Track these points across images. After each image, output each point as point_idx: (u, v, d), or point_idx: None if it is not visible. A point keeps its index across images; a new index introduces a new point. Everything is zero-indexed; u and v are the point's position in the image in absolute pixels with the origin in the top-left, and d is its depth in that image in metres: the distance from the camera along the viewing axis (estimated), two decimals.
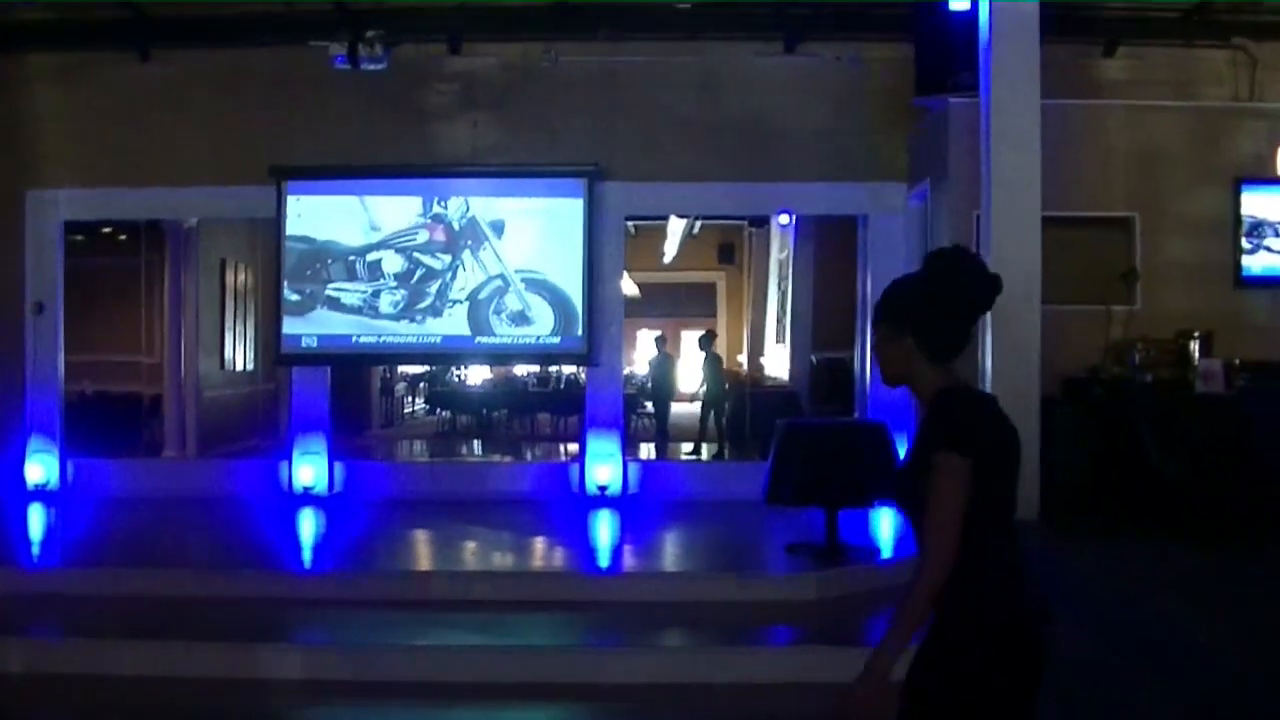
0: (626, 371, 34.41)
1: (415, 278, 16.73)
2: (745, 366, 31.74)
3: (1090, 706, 7.99)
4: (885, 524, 14.29)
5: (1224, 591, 9.16)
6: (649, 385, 26.45)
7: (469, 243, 16.76)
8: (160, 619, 10.71)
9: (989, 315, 12.19)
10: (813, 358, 22.89)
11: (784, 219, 20.40)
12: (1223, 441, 10.08)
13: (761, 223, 27.42)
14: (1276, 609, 8.40)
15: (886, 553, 13.06)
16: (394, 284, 16.74)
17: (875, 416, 15.61)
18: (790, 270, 25.28)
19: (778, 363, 27.24)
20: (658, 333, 26.82)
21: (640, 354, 38.30)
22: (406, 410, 33.35)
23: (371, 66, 15.62)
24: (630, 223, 22.87)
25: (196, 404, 21.53)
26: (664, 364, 24.56)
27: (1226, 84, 16.16)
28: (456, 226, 16.74)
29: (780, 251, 27.60)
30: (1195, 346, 13.37)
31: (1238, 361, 13.27)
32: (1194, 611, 8.74)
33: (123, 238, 21.82)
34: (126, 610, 10.99)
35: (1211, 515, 10.57)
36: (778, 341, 28.05)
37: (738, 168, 16.74)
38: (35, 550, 14.17)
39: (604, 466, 16.69)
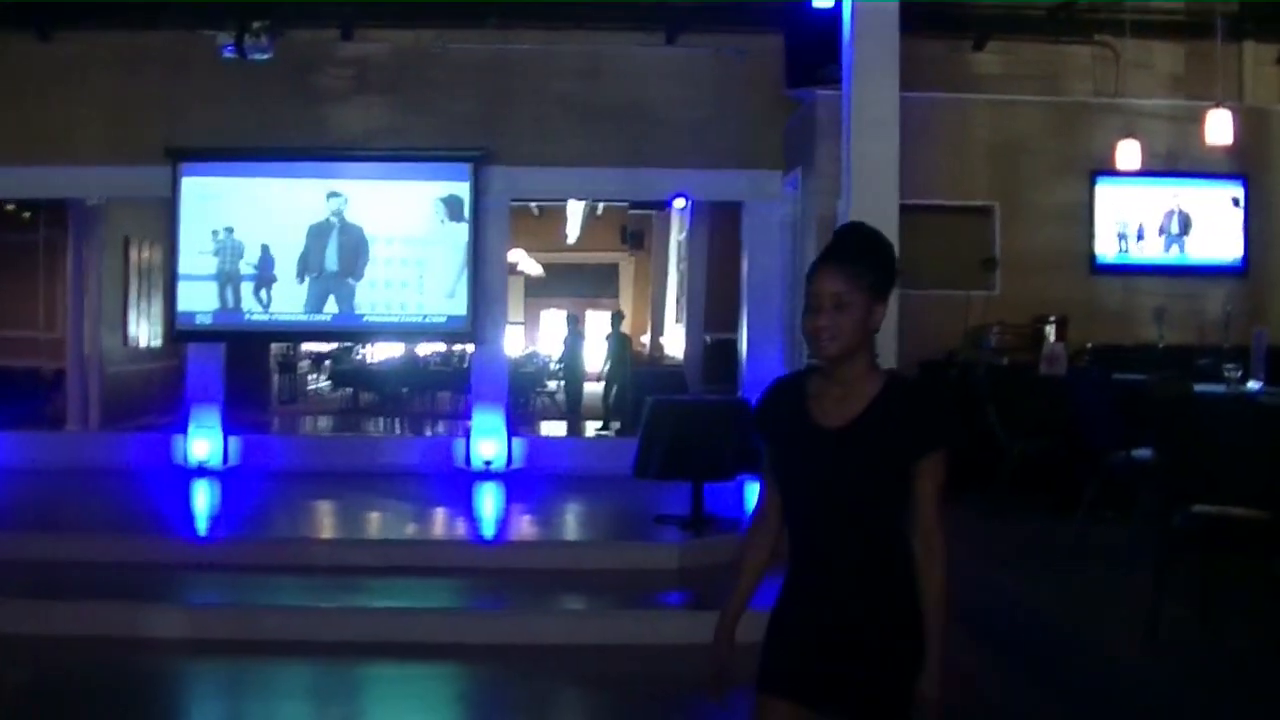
0: (529, 350, 35.08)
1: (306, 258, 17.15)
2: (647, 347, 32.42)
3: None
4: (748, 497, 14.95)
5: (1048, 553, 9.86)
6: (559, 365, 26.84)
7: (359, 224, 17.20)
8: (52, 582, 11.10)
9: None
10: (706, 337, 23.45)
11: (679, 203, 20.92)
12: (1059, 420, 10.72)
13: (662, 206, 27.94)
14: (1094, 569, 9.06)
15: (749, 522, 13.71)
16: (286, 263, 17.15)
17: (748, 395, 16.27)
18: (686, 252, 25.81)
19: (677, 343, 27.81)
20: (564, 313, 27.32)
21: (546, 334, 38.86)
22: (310, 388, 33.65)
23: (258, 56, 15.85)
24: (534, 204, 23.47)
25: (100, 379, 21.74)
26: (575, 344, 24.99)
27: (1092, 79, 16.79)
28: (347, 207, 17.18)
29: (680, 234, 28.16)
30: (1051, 331, 14.08)
31: (1089, 345, 14.02)
32: (1024, 576, 9.45)
33: (25, 215, 22.11)
34: (19, 573, 11.32)
35: (1046, 487, 11.26)
36: (676, 322, 28.62)
37: (623, 153, 17.17)
38: None
39: (489, 441, 17.14)
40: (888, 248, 4.40)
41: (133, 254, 23.87)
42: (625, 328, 26.08)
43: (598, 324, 31.07)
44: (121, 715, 8.69)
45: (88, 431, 20.72)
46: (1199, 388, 9.54)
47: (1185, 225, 15.38)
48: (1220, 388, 9.70)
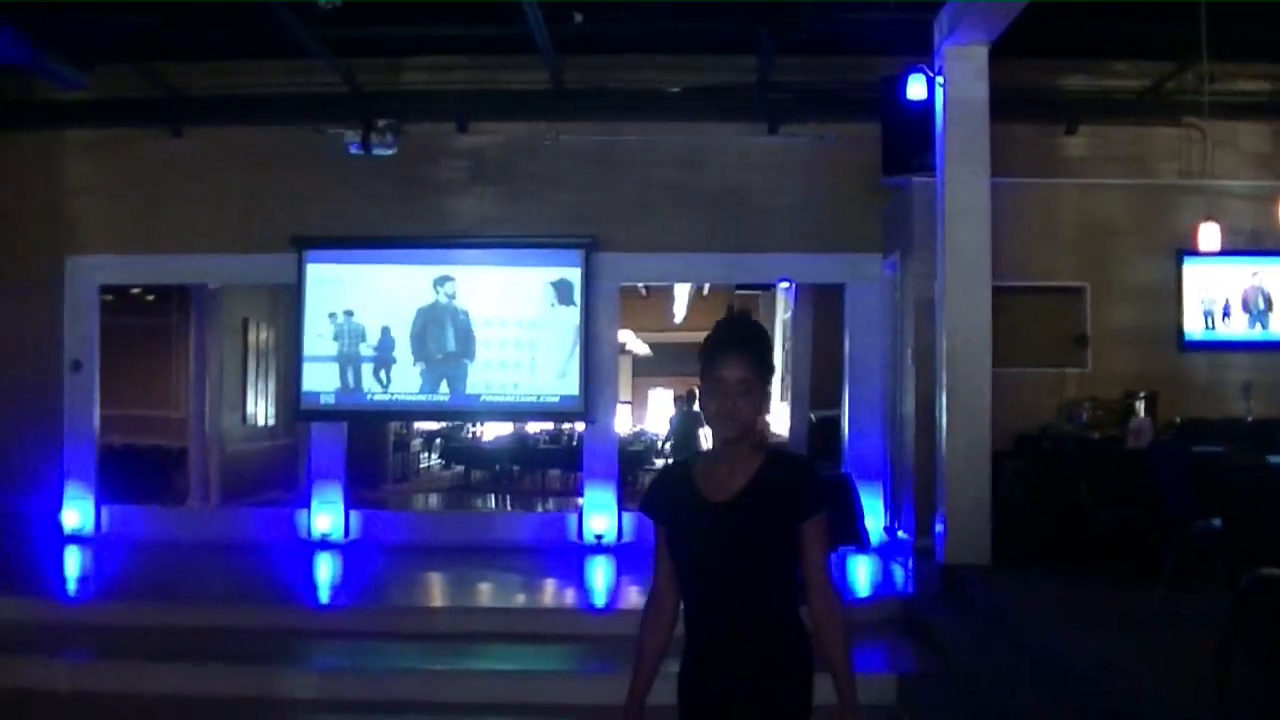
0: (638, 429, 35.59)
1: (422, 340, 17.86)
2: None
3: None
4: (848, 567, 15.53)
5: (1131, 618, 10.33)
6: (670, 442, 27.18)
7: (476, 309, 17.92)
8: (190, 647, 11.90)
9: (944, 376, 13.54)
10: (811, 415, 23.86)
11: (784, 285, 21.31)
12: (1145, 491, 11.16)
13: (768, 286, 28.39)
14: (1173, 634, 9.53)
15: (849, 592, 14.31)
16: (403, 346, 17.87)
17: (850, 469, 16.82)
18: (791, 332, 26.26)
19: (782, 420, 28.20)
20: (670, 391, 27.71)
21: (653, 412, 39.50)
22: (422, 465, 34.15)
23: (382, 152, 16.71)
24: (641, 285, 24.10)
25: (219, 457, 22.54)
26: (684, 420, 25.27)
27: (1179, 159, 17.15)
28: (458, 291, 17.90)
29: (785, 313, 28.51)
30: (1140, 406, 14.55)
31: (1178, 419, 14.49)
32: (1108, 638, 9.94)
33: (150, 298, 22.92)
34: (159, 639, 12.17)
35: (1133, 556, 11.73)
36: (781, 400, 29.00)
37: (726, 238, 17.72)
38: (75, 586, 15.50)
39: (600, 516, 17.67)
40: (768, 337, 4.91)
41: (250, 335, 24.66)
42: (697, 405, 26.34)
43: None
44: None
45: (213, 507, 21.51)
46: (1276, 459, 9.97)
47: (1268, 302, 15.77)
48: None
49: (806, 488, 4.76)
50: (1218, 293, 15.76)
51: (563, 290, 17.81)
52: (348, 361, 17.94)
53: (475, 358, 17.93)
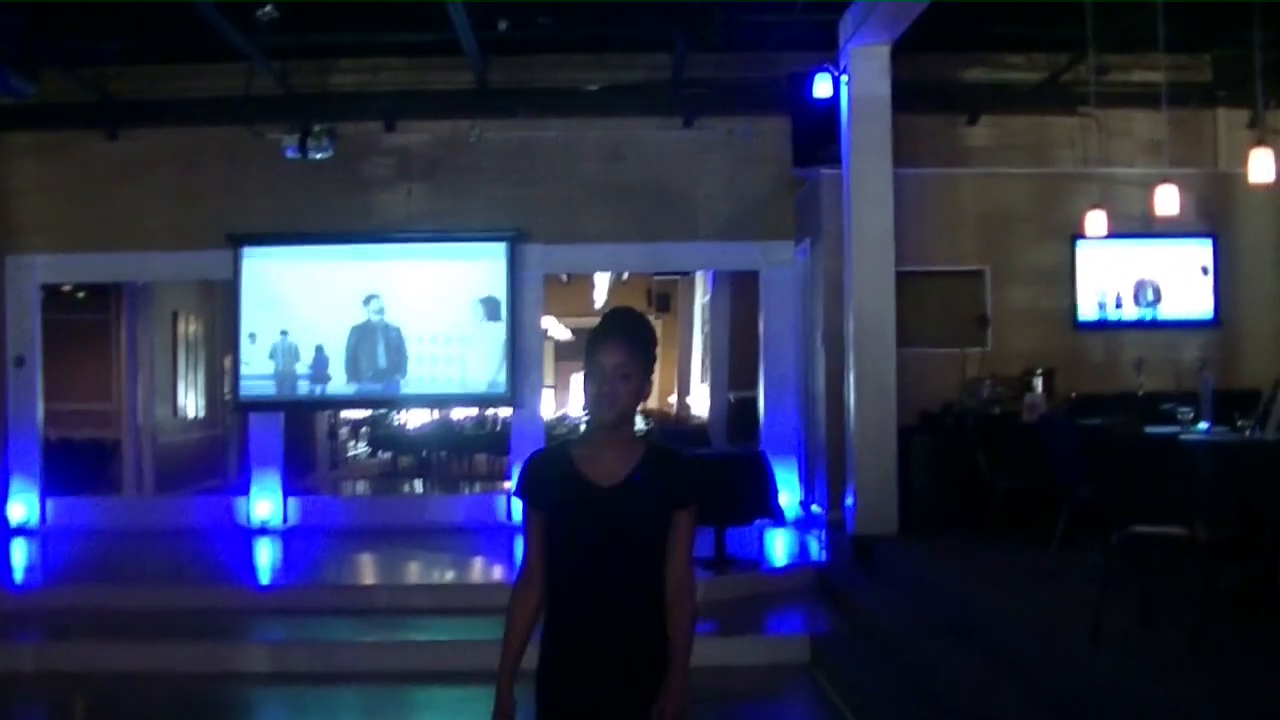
0: (561, 413, 36.28)
1: (358, 359, 18.54)
2: (675, 405, 33.67)
3: (910, 669, 10.12)
4: (765, 540, 16.39)
5: (1027, 575, 11.17)
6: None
7: (408, 324, 18.59)
8: (144, 626, 12.58)
9: (851, 357, 14.37)
10: (730, 396, 24.54)
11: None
12: (1038, 461, 11.94)
13: (686, 273, 29.09)
14: (1061, 588, 10.36)
15: (766, 562, 15.25)
16: (339, 362, 18.56)
17: (766, 447, 17.61)
18: (710, 315, 26.96)
19: (702, 401, 28.88)
20: None
21: (575, 396, 39.75)
22: (350, 453, 34.53)
23: (319, 155, 17.40)
24: (564, 273, 24.85)
25: (153, 447, 23.10)
26: None
27: (1076, 148, 17.99)
28: (394, 308, 18.57)
29: (704, 296, 29.19)
30: (1038, 382, 15.39)
31: (1073, 394, 15.34)
32: (1003, 594, 10.80)
33: (81, 295, 23.21)
34: (114, 620, 12.85)
35: (1028, 521, 12.57)
36: (702, 381, 29.67)
37: (645, 229, 18.40)
38: (29, 574, 16.23)
39: None
40: (651, 330, 4.91)
41: (180, 327, 25.30)
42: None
43: None
44: None
45: (153, 495, 22.18)
46: (1156, 429, 10.82)
47: (1158, 294, 16.57)
48: (1175, 429, 10.99)
49: (686, 476, 4.83)
50: (1110, 282, 16.54)
51: (490, 307, 18.48)
52: (284, 379, 18.60)
53: (408, 373, 18.66)
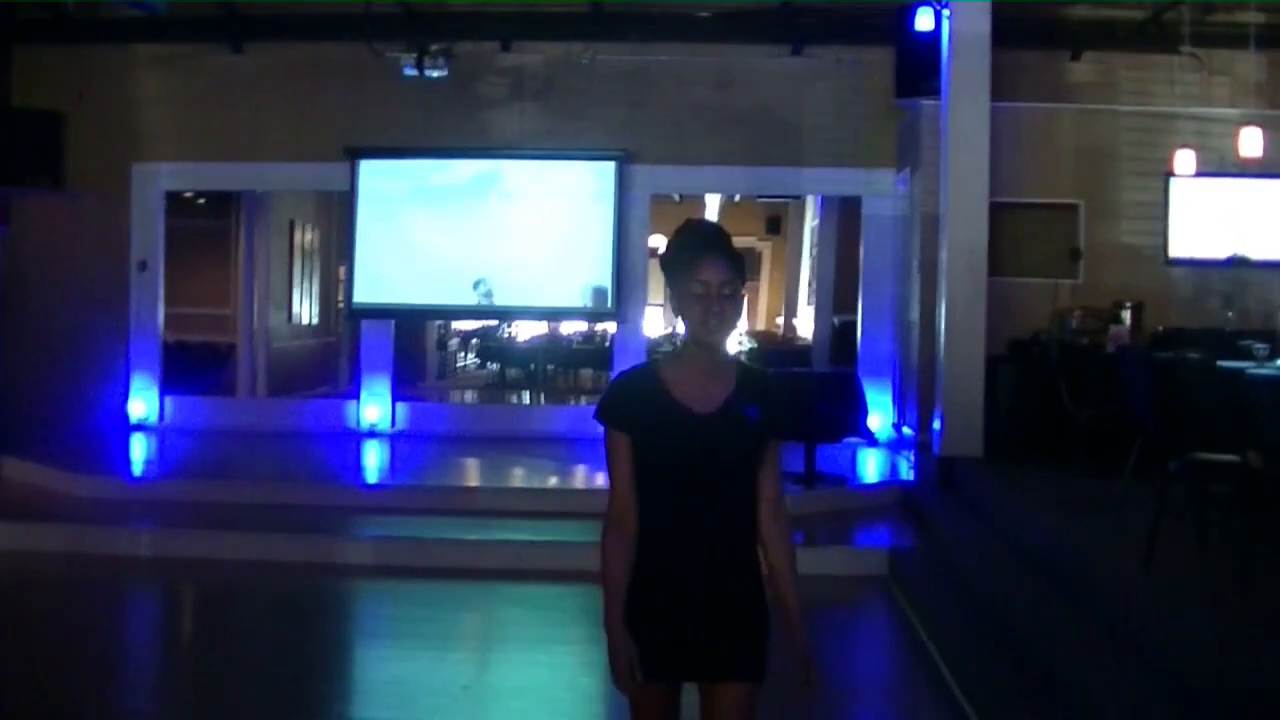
0: (669, 330, 36.73)
1: (468, 245, 19.07)
2: (781, 327, 34.08)
3: (973, 586, 10.64)
4: (857, 458, 16.98)
5: (1097, 504, 11.59)
6: None
7: (516, 214, 19.07)
8: (255, 520, 13.39)
9: (943, 285, 14.77)
10: (834, 320, 24.92)
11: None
12: (1117, 392, 12.30)
13: (795, 196, 29.43)
14: (1128, 516, 10.75)
15: (855, 479, 15.82)
16: (451, 250, 19.08)
17: (863, 371, 18.10)
18: (817, 240, 27.33)
19: (807, 324, 29.24)
20: None
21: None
22: (459, 364, 35.26)
23: (435, 74, 17.85)
24: (675, 194, 25.35)
25: (266, 352, 23.67)
26: None
27: (1178, 86, 18.20)
28: (503, 202, 19.10)
29: (813, 221, 29.47)
30: (1127, 316, 15.72)
31: (1160, 328, 15.68)
32: (1070, 520, 11.24)
33: (200, 201, 23.81)
34: (228, 513, 13.70)
35: (1106, 450, 12.94)
36: (809, 304, 29.98)
37: (751, 153, 18.79)
38: (152, 468, 17.28)
39: None
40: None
41: (296, 237, 25.92)
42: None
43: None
44: (321, 619, 11.03)
45: (267, 397, 22.86)
46: (1228, 364, 11.17)
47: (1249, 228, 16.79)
48: (1248, 364, 11.35)
49: (782, 401, 4.76)
50: (1203, 216, 16.77)
51: (600, 225, 18.97)
52: (396, 288, 19.30)
53: (517, 288, 19.25)
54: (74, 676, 9.26)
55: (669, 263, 4.75)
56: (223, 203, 24.07)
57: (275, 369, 24.01)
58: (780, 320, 34.73)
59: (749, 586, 4.69)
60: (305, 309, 26.81)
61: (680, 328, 4.70)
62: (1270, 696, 6.43)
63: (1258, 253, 16.41)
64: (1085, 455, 13.48)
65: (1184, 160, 14.71)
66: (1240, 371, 10.36)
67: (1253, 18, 16.75)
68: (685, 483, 4.60)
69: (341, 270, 24.08)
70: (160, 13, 16.32)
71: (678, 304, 4.67)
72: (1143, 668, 7.64)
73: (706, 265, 4.62)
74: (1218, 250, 16.39)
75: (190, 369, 21.82)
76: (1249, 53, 17.22)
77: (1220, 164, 15.56)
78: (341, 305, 25.84)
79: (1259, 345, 11.89)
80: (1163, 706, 7.04)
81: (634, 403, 4.68)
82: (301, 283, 26.38)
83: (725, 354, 4.78)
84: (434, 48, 17.84)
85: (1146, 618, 8.21)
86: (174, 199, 20.33)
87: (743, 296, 4.69)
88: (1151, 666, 7.56)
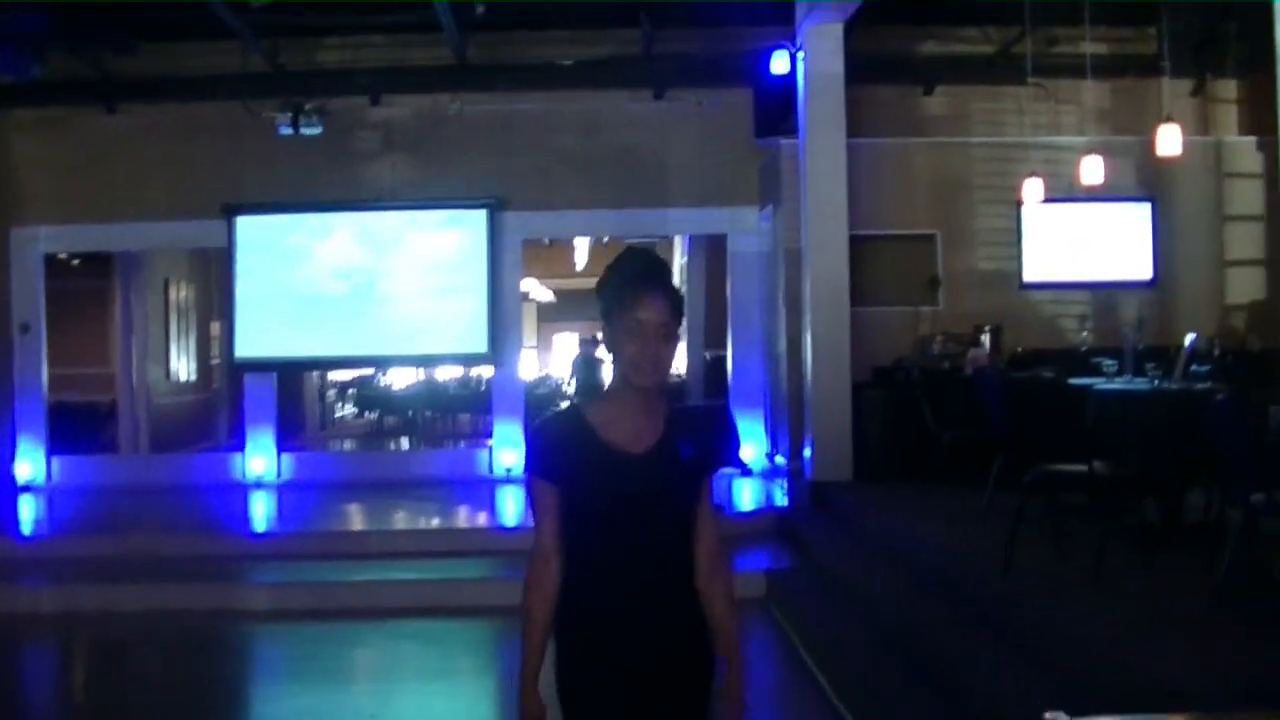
0: (544, 374, 37.17)
1: (345, 296, 19.40)
2: None
3: (850, 597, 11.22)
4: (734, 487, 17.54)
5: (962, 515, 12.15)
6: (574, 381, 28.30)
7: (392, 263, 19.42)
8: (149, 571, 13.73)
9: (809, 316, 15.35)
10: (705, 354, 25.56)
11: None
12: (977, 412, 12.90)
13: (662, 236, 29.93)
14: (990, 526, 11.33)
15: (731, 508, 16.31)
16: (328, 301, 19.39)
17: (735, 402, 18.68)
18: (687, 276, 27.93)
19: (680, 360, 29.79)
20: (577, 334, 29.08)
21: (558, 357, 40.30)
22: (337, 414, 35.37)
23: (310, 131, 18.33)
24: (546, 238, 25.86)
25: (148, 410, 23.92)
26: (587, 363, 25.78)
27: (1028, 116, 18.87)
28: (378, 253, 19.43)
29: (681, 259, 30.14)
30: (987, 339, 16.40)
31: (1019, 349, 16.38)
32: (936, 531, 11.84)
33: (75, 262, 23.85)
34: (121, 566, 14.03)
35: (969, 468, 13.52)
36: (680, 340, 30.53)
37: (618, 196, 19.29)
38: (44, 526, 17.50)
39: (509, 451, 19.18)
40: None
41: (171, 294, 26.01)
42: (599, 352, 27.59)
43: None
44: (225, 661, 11.55)
45: (152, 453, 23.12)
46: (1079, 380, 11.83)
47: (1098, 250, 17.62)
48: (1098, 380, 12.02)
49: (718, 438, 4.54)
50: (1054, 242, 17.58)
51: (471, 271, 19.36)
52: (275, 342, 19.60)
53: (393, 336, 19.60)
54: None
55: (605, 295, 4.45)
56: (99, 263, 24.21)
57: (156, 425, 24.18)
58: None
59: (693, 631, 4.47)
60: (183, 365, 26.87)
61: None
62: (1113, 671, 7.06)
63: (1106, 274, 17.24)
64: (950, 473, 14.04)
65: (1032, 188, 15.43)
66: (1089, 387, 11.02)
67: (1093, 48, 17.43)
68: (621, 527, 4.34)
69: (216, 326, 24.37)
70: (34, 77, 16.52)
71: (610, 340, 4.41)
72: (1004, 655, 8.26)
73: (644, 303, 4.33)
74: (1069, 273, 17.19)
75: (73, 428, 21.96)
76: (1092, 82, 17.94)
77: (1069, 190, 16.20)
78: (217, 360, 26.15)
79: (1109, 362, 12.57)
80: (1022, 687, 7.63)
81: (562, 450, 4.40)
82: (178, 339, 26.45)
83: (658, 393, 4.43)
84: (308, 106, 18.30)
85: (1007, 615, 8.83)
86: (50, 260, 20.47)
87: (678, 337, 4.43)
88: (1012, 654, 8.19)
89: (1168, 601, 8.59)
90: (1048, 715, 3.56)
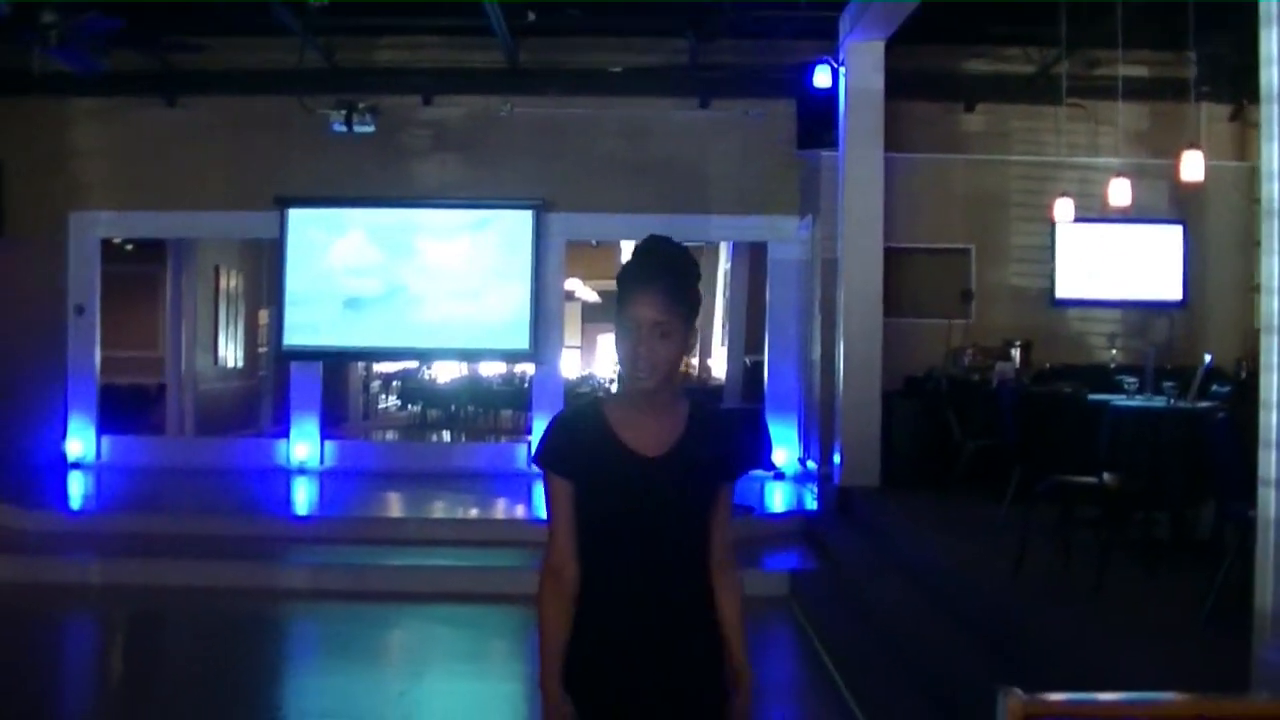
0: (586, 373, 37.56)
1: (391, 290, 19.85)
2: (695, 367, 35.02)
3: (864, 600, 11.61)
4: (766, 490, 17.95)
5: (982, 525, 12.49)
6: (619, 381, 28.45)
7: (438, 261, 19.85)
8: (193, 549, 14.20)
9: (842, 325, 15.71)
10: (745, 359, 25.91)
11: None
12: (1001, 424, 13.25)
13: (706, 242, 30.34)
14: (1007, 537, 11.68)
15: (763, 510, 16.73)
16: (374, 294, 19.88)
17: (770, 408, 19.11)
18: (730, 282, 28.31)
19: (720, 364, 30.21)
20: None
21: (601, 357, 40.98)
22: (381, 406, 35.76)
23: (363, 129, 18.80)
24: (593, 239, 26.35)
25: (193, 394, 24.44)
26: None
27: (1065, 136, 19.15)
28: (425, 249, 19.88)
29: (725, 264, 30.56)
30: (1016, 353, 16.74)
31: (1048, 365, 16.70)
32: (952, 540, 12.22)
33: (129, 247, 24.50)
34: (165, 543, 14.51)
35: (991, 478, 13.86)
36: (721, 345, 30.93)
37: (661, 202, 19.45)
38: (94, 502, 18.07)
39: None
40: (694, 265, 4.23)
41: (221, 282, 26.56)
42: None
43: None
44: (263, 638, 12.10)
45: (197, 436, 23.70)
46: (1097, 396, 12.15)
47: (1129, 270, 17.99)
48: (1117, 396, 12.37)
49: (740, 444, 4.37)
50: (1087, 261, 17.95)
51: (517, 270, 19.77)
52: (322, 332, 20.01)
53: (438, 330, 20.05)
54: (45, 693, 10.12)
55: (617, 287, 4.28)
56: (152, 249, 24.79)
57: (202, 409, 24.68)
58: (694, 360, 35.68)
59: (707, 641, 4.30)
60: (230, 352, 27.38)
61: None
62: (1097, 677, 7.44)
63: (1137, 293, 17.58)
64: (974, 483, 14.40)
65: (1063, 208, 15.77)
66: (1106, 403, 11.39)
67: (1133, 71, 17.73)
68: (635, 532, 4.17)
69: (264, 314, 24.87)
70: (101, 69, 16.98)
71: (616, 338, 4.23)
72: (998, 664, 8.66)
73: (638, 301, 4.13)
74: (1101, 292, 17.54)
75: (122, 409, 22.47)
76: (1130, 104, 18.23)
77: (1103, 210, 16.47)
78: (264, 348, 26.64)
79: (1130, 380, 12.92)
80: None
81: (577, 446, 4.23)
82: (226, 326, 26.96)
83: (674, 392, 4.27)
84: (361, 105, 18.76)
85: (1012, 622, 9.22)
86: (105, 245, 20.92)
87: (685, 334, 4.17)
88: (1005, 661, 8.60)
89: (1163, 613, 8.98)
90: (1002, 690, 3.61)
